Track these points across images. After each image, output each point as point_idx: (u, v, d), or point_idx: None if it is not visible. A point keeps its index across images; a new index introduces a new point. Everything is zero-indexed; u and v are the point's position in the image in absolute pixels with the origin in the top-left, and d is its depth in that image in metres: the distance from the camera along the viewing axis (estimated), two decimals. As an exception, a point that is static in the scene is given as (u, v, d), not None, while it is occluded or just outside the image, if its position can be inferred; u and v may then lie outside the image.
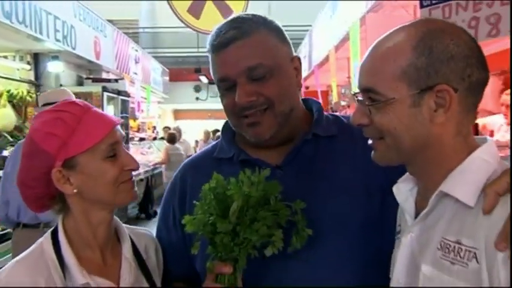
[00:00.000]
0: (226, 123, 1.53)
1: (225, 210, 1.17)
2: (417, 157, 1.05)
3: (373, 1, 5.16)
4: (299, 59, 1.42)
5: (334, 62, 7.53)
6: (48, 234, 1.30)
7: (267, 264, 1.24)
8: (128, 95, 9.17)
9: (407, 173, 1.14)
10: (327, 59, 8.19)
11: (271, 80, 1.31)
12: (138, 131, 12.34)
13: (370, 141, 1.10)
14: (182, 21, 4.13)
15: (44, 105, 3.62)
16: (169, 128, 13.93)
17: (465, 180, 0.98)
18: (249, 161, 1.40)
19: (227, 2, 4.22)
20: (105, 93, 7.73)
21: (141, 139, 11.82)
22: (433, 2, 3.81)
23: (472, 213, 0.94)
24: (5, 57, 6.89)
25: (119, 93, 8.47)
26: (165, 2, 10.77)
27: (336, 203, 1.32)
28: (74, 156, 1.24)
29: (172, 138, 10.84)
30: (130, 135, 9.92)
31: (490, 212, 0.90)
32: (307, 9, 12.57)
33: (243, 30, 1.31)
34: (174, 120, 22.30)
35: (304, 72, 11.63)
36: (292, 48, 1.43)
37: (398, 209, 1.21)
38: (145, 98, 11.96)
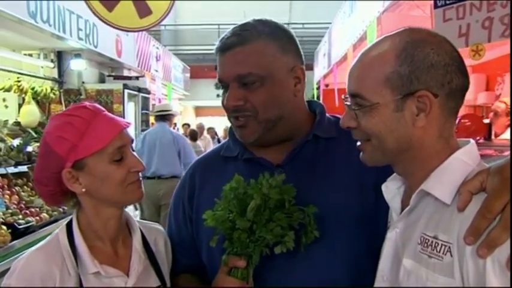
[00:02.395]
0: None
1: (244, 209, 1.26)
2: (401, 158, 1.12)
3: (390, 1, 5.19)
4: (302, 68, 1.47)
5: (352, 61, 7.56)
6: (63, 226, 1.41)
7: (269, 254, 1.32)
8: (149, 92, 9.31)
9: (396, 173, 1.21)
10: (345, 57, 8.22)
11: (260, 89, 1.38)
12: (159, 127, 12.49)
13: (358, 143, 1.17)
14: (91, 9, 4.03)
15: (158, 112, 6.63)
16: (188, 125, 14.04)
17: (444, 180, 1.05)
18: (252, 159, 1.49)
19: (148, 2, 4.06)
20: (126, 91, 7.85)
21: (162, 135, 11.96)
22: (447, 2, 3.84)
23: (449, 210, 1.02)
24: (30, 55, 7.07)
25: (140, 90, 8.60)
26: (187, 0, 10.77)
27: (331, 200, 1.39)
28: (83, 158, 1.32)
29: (194, 135, 11.01)
30: (151, 132, 10.07)
31: (463, 209, 0.97)
32: (328, 6, 12.57)
33: (242, 38, 1.39)
34: (195, 117, 22.49)
35: (324, 70, 11.66)
36: (302, 57, 1.49)
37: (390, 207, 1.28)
38: (166, 95, 12.11)
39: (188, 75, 15.75)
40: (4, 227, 4.10)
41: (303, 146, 1.48)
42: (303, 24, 17.68)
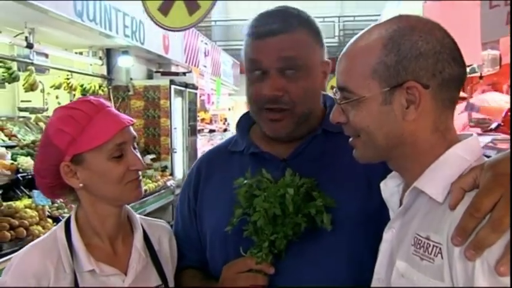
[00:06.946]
0: (241, 117, 1.60)
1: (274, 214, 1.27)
2: (394, 154, 1.05)
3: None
4: (328, 63, 1.45)
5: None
6: (62, 222, 1.40)
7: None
8: (196, 88, 9.36)
9: (395, 169, 1.14)
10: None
11: (299, 80, 1.35)
12: (210, 122, 12.62)
13: (350, 139, 1.11)
14: (152, 20, 4.23)
15: None
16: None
17: (437, 177, 0.98)
18: (258, 154, 1.46)
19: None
20: (173, 86, 7.92)
21: (211, 131, 12.08)
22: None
23: (441, 209, 0.94)
24: (80, 53, 7.27)
25: (187, 86, 8.65)
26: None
27: (336, 197, 1.33)
28: (82, 152, 1.30)
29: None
30: (200, 127, 10.15)
31: (454, 207, 0.90)
32: (378, -2, 12.30)
33: (288, 25, 1.35)
34: (247, 112, 22.56)
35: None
36: (326, 53, 1.46)
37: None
38: (215, 90, 12.18)
39: (238, 70, 15.77)
40: (50, 220, 4.26)
41: (311, 140, 1.44)
42: (354, 17, 17.39)
